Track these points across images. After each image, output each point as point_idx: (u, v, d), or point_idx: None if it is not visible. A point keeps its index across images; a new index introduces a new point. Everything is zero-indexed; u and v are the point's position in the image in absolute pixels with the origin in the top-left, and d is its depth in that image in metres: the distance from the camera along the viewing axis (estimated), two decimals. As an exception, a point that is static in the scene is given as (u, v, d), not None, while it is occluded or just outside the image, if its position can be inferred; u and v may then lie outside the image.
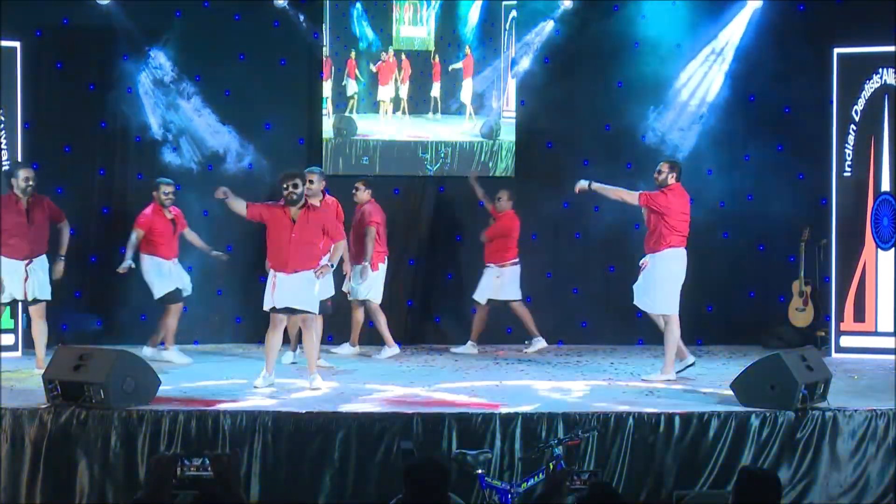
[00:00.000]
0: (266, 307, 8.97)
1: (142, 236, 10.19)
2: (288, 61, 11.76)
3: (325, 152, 11.71)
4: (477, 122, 11.78)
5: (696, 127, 11.68)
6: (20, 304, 9.91)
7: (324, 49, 11.65)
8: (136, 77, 11.46)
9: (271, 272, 8.97)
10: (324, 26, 11.63)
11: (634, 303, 9.55)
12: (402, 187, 11.87)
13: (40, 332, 9.67)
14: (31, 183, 9.60)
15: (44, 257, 9.68)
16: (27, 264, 9.57)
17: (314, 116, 11.76)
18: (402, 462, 6.84)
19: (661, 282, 9.35)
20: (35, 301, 9.62)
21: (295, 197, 8.89)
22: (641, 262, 9.48)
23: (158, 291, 10.21)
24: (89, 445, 7.77)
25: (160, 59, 11.44)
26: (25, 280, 9.55)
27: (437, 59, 11.73)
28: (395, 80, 11.77)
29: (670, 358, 9.39)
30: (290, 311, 8.96)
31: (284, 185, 8.91)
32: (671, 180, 9.42)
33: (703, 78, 11.68)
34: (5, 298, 9.62)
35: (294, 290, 8.87)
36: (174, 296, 10.28)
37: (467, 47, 11.73)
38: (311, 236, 8.95)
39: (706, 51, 11.65)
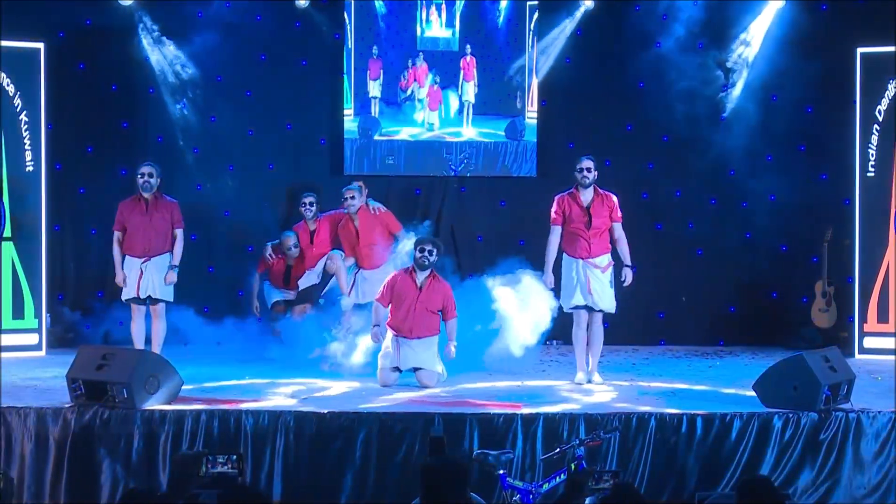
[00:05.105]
0: (386, 364, 9.04)
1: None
2: (309, 62, 11.78)
3: (349, 153, 11.71)
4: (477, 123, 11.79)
5: (718, 126, 11.64)
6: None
7: (350, 50, 11.66)
8: (158, 77, 11.52)
9: (392, 335, 9.08)
10: (348, 27, 11.64)
11: (603, 308, 9.20)
12: (424, 188, 11.88)
13: (158, 331, 9.70)
14: (146, 179, 9.60)
15: (164, 258, 9.64)
16: (143, 262, 9.58)
17: (335, 117, 11.78)
18: (430, 451, 6.81)
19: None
20: (152, 300, 9.64)
21: (427, 262, 9.04)
22: (606, 263, 9.23)
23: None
24: (112, 445, 7.81)
25: (182, 60, 11.49)
26: (140, 277, 9.58)
27: (465, 59, 11.73)
28: (418, 80, 11.76)
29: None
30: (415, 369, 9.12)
31: (420, 249, 9.07)
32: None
33: (725, 77, 11.63)
34: (125, 296, 9.67)
35: (419, 355, 9.04)
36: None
37: (468, 47, 11.73)
38: (434, 306, 9.07)
39: (728, 50, 11.62)
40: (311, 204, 10.60)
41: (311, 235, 10.63)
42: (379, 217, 10.27)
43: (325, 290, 10.57)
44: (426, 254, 9.06)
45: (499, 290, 9.94)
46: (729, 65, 11.60)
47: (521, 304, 9.86)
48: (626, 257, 9.25)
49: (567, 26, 11.74)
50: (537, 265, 9.69)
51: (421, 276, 9.08)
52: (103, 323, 10.98)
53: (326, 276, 10.52)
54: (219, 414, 7.88)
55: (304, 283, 10.58)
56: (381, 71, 11.72)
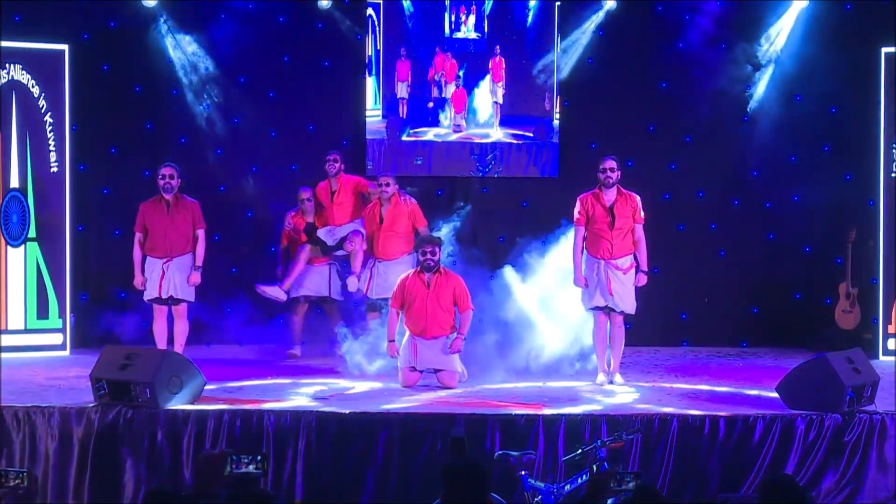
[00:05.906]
0: (405, 364, 9.05)
1: None
2: (332, 63, 11.81)
3: (376, 153, 11.71)
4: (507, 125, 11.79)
5: (741, 127, 11.60)
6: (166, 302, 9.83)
7: (379, 51, 11.68)
8: (181, 79, 11.57)
9: (409, 334, 9.11)
10: (377, 28, 11.66)
11: (624, 310, 9.19)
12: (446, 188, 11.88)
13: (180, 332, 9.78)
14: (167, 180, 9.67)
15: (185, 258, 9.71)
16: (165, 262, 9.65)
17: (358, 118, 11.80)
18: (451, 451, 6.83)
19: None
20: (174, 300, 9.70)
21: (432, 264, 9.06)
22: (628, 264, 9.22)
23: None
24: (135, 444, 7.86)
25: (205, 61, 11.54)
26: (161, 277, 9.64)
27: (494, 59, 11.73)
28: (447, 73, 11.77)
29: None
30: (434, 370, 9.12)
31: (422, 252, 9.10)
32: None
33: (749, 78, 11.58)
34: (147, 296, 9.74)
35: (436, 355, 9.04)
36: None
37: (497, 48, 11.72)
38: (446, 302, 9.09)
39: (752, 51, 11.57)
40: (335, 161, 10.55)
41: (332, 195, 10.60)
42: (408, 207, 10.25)
43: (336, 247, 10.51)
44: (429, 255, 9.08)
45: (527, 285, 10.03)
46: (758, 61, 11.54)
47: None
48: (643, 262, 9.23)
49: (589, 26, 11.71)
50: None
51: (429, 275, 9.11)
52: (126, 323, 11.02)
53: (341, 248, 10.48)
54: (241, 414, 7.91)
55: (321, 234, 10.55)
56: (409, 72, 11.74)
